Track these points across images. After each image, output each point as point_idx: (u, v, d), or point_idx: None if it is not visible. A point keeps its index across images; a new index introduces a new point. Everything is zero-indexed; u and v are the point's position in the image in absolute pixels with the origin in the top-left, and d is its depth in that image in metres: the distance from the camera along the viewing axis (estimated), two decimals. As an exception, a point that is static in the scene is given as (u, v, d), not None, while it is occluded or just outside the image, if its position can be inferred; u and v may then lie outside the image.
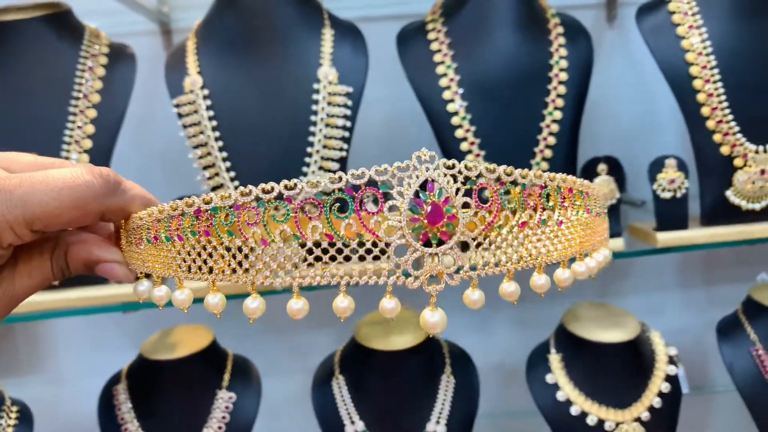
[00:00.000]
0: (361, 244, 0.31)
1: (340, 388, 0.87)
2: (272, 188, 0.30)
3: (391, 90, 1.00)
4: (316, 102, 0.79)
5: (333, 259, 0.31)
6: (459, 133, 0.82)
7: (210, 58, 0.81)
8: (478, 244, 0.32)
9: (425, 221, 0.30)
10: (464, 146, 0.83)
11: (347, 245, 0.31)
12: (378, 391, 0.86)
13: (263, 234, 0.31)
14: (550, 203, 0.33)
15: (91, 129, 0.80)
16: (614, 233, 0.85)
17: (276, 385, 1.04)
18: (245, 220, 0.31)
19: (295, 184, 0.30)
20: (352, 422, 0.84)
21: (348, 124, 0.80)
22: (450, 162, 0.31)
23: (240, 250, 0.32)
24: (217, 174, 0.79)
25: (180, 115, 0.80)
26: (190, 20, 1.02)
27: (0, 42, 0.80)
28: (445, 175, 0.31)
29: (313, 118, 0.79)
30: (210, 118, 0.79)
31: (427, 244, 0.31)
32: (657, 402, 0.86)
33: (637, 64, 1.09)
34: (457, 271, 0.32)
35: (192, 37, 0.84)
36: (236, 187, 0.30)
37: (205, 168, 0.80)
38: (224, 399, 0.86)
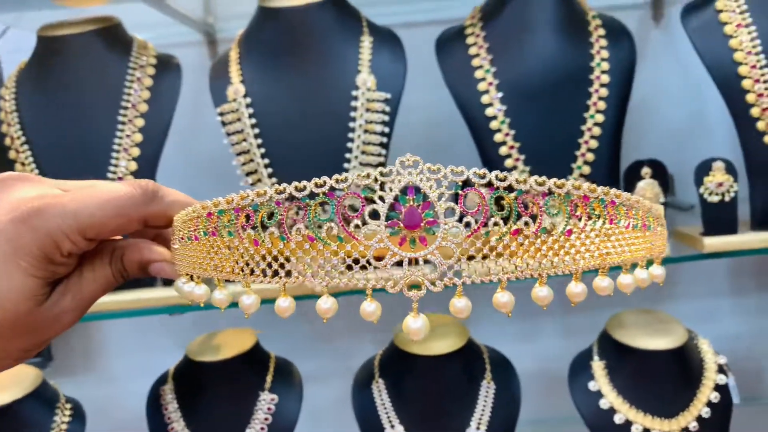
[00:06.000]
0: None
1: (380, 391, 0.87)
2: (265, 192, 0.32)
3: (429, 95, 1.00)
4: (355, 109, 0.80)
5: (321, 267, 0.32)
6: (498, 138, 0.82)
7: (252, 67, 0.83)
8: (464, 251, 0.31)
9: (402, 225, 0.30)
10: (503, 150, 0.82)
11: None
12: (418, 395, 0.86)
13: (255, 235, 0.32)
14: (555, 211, 0.31)
15: (139, 137, 0.83)
16: (659, 238, 0.83)
17: (317, 388, 1.06)
18: (243, 222, 0.33)
19: (284, 188, 0.31)
20: (392, 426, 0.84)
21: (386, 130, 0.80)
22: (435, 166, 0.30)
23: (241, 254, 0.33)
24: (259, 180, 0.81)
25: (224, 123, 0.82)
26: (234, 30, 1.04)
27: (54, 55, 0.84)
28: (428, 179, 0.30)
29: (351, 124, 0.80)
30: (252, 126, 0.81)
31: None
32: (706, 412, 0.83)
33: (685, 65, 1.06)
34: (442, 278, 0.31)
35: (235, 47, 0.87)
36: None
37: (248, 174, 0.82)
38: (267, 400, 0.88)
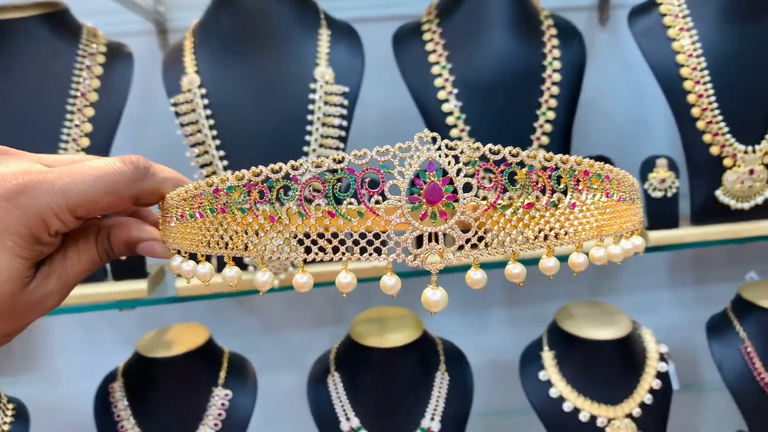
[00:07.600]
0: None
1: (335, 385, 0.88)
2: (280, 168, 0.32)
3: (386, 90, 1.00)
4: (313, 102, 0.80)
5: (343, 243, 0.32)
6: (454, 133, 0.83)
7: (207, 57, 0.82)
8: (480, 225, 0.32)
9: (424, 200, 0.31)
10: (459, 146, 0.83)
11: (350, 227, 0.31)
12: (373, 389, 0.87)
13: (271, 211, 0.32)
14: (561, 186, 0.33)
15: (88, 127, 0.81)
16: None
17: (272, 383, 1.05)
18: (256, 198, 0.32)
19: (301, 164, 0.31)
20: (348, 419, 0.85)
21: (344, 123, 0.80)
22: (453, 143, 0.31)
23: (256, 231, 0.33)
24: (214, 173, 0.80)
25: (177, 114, 0.81)
26: (185, 20, 1.02)
27: (-3, 40, 0.80)
28: (447, 155, 0.31)
29: (309, 117, 0.80)
30: (207, 117, 0.80)
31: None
32: (648, 398, 0.87)
33: (630, 66, 1.10)
34: (460, 248, 0.32)
35: (189, 37, 0.85)
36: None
37: (202, 166, 0.81)
38: (220, 396, 0.87)
